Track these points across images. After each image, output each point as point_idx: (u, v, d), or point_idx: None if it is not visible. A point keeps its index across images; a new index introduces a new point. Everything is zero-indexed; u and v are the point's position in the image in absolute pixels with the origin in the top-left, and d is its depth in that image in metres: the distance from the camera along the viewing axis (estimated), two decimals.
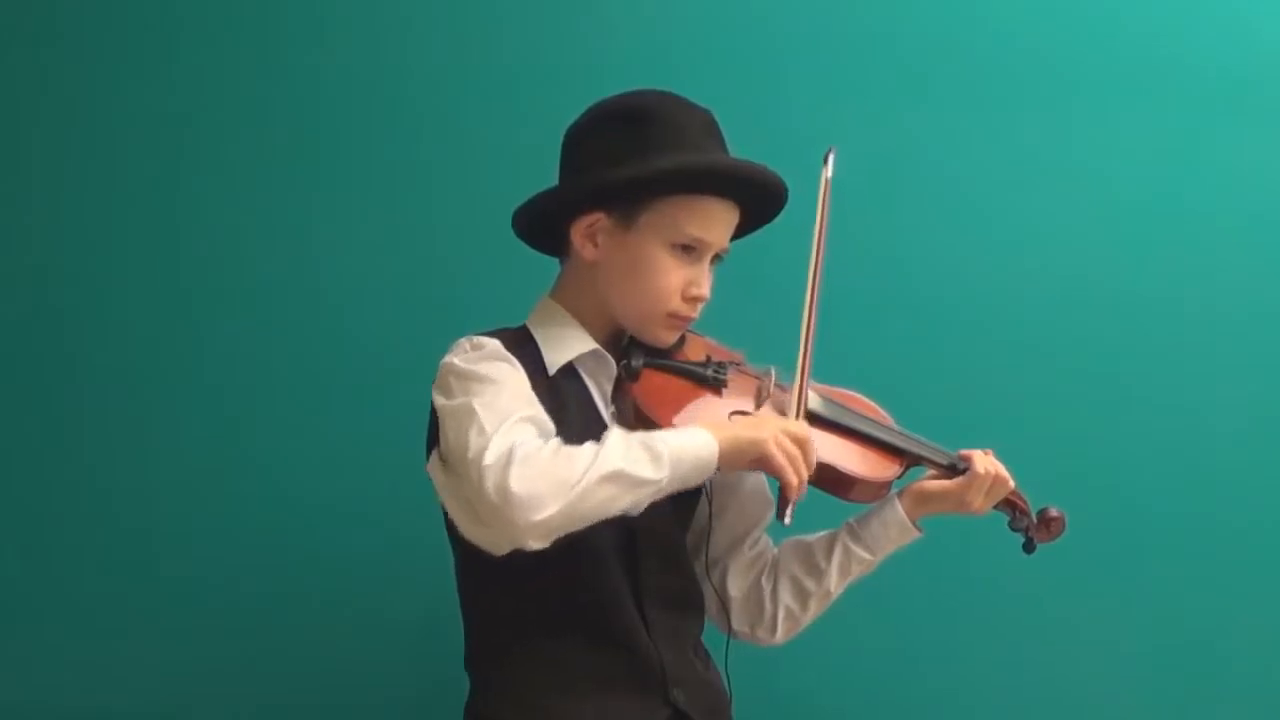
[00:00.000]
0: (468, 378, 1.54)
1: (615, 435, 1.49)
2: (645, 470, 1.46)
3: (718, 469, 1.51)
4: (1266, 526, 2.18)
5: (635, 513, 1.50)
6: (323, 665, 2.11)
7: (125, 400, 2.16)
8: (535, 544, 1.44)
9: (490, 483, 1.41)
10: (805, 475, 1.55)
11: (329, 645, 2.11)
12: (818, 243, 1.68)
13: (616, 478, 1.44)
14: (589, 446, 1.47)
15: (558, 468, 1.43)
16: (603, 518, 1.47)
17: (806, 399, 1.65)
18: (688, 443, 1.50)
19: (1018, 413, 2.12)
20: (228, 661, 2.11)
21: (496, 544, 1.47)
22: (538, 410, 1.53)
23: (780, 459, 1.53)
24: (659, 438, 1.49)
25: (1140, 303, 2.20)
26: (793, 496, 1.54)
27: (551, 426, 1.53)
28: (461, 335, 1.63)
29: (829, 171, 1.70)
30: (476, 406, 1.49)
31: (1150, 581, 2.16)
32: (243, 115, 2.20)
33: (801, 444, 1.55)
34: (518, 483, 1.40)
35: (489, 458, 1.42)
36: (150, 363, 2.16)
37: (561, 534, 1.45)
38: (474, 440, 1.45)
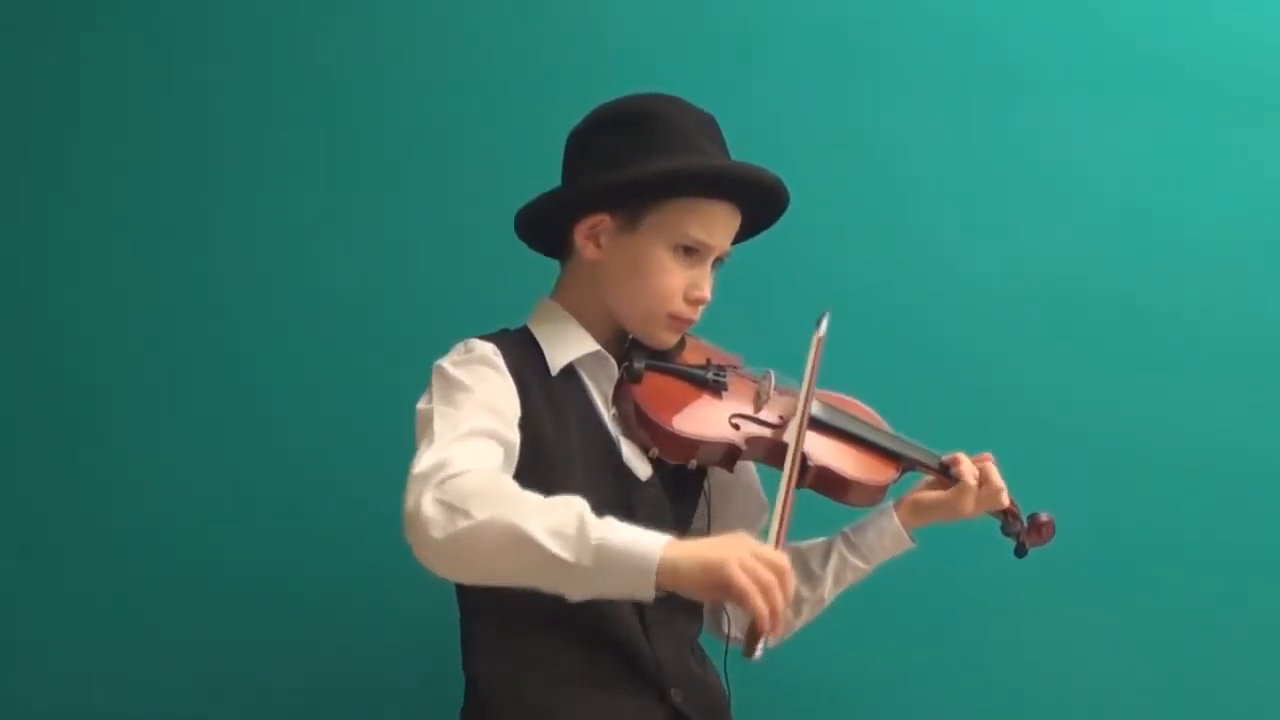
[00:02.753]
0: (445, 383, 1.55)
1: (566, 502, 1.36)
2: (560, 547, 1.31)
3: (658, 584, 1.32)
4: (1264, 530, 2.18)
5: (568, 598, 1.36)
6: (321, 665, 2.10)
7: (124, 401, 2.15)
8: (434, 568, 1.39)
9: (411, 493, 1.39)
10: (779, 607, 1.32)
11: (327, 645, 2.10)
12: (804, 400, 1.63)
13: (520, 540, 1.32)
14: (531, 497, 1.38)
15: (475, 496, 1.36)
16: (510, 581, 1.37)
17: (787, 525, 1.50)
18: (631, 538, 1.33)
19: (1013, 417, 2.12)
20: (226, 662, 2.10)
21: (416, 555, 1.40)
22: (501, 424, 1.51)
23: (743, 582, 1.30)
24: (608, 524, 1.34)
25: (1136, 305, 2.20)
26: (764, 629, 1.31)
27: (515, 439, 1.51)
28: (460, 336, 1.64)
29: (822, 331, 1.67)
30: (436, 415, 1.49)
31: (1146, 585, 2.16)
32: (240, 115, 2.20)
33: (777, 570, 1.32)
34: (430, 501, 1.36)
35: (418, 468, 1.41)
36: (151, 364, 2.16)
37: (457, 572, 1.41)
38: (420, 448, 1.45)
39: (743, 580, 1.30)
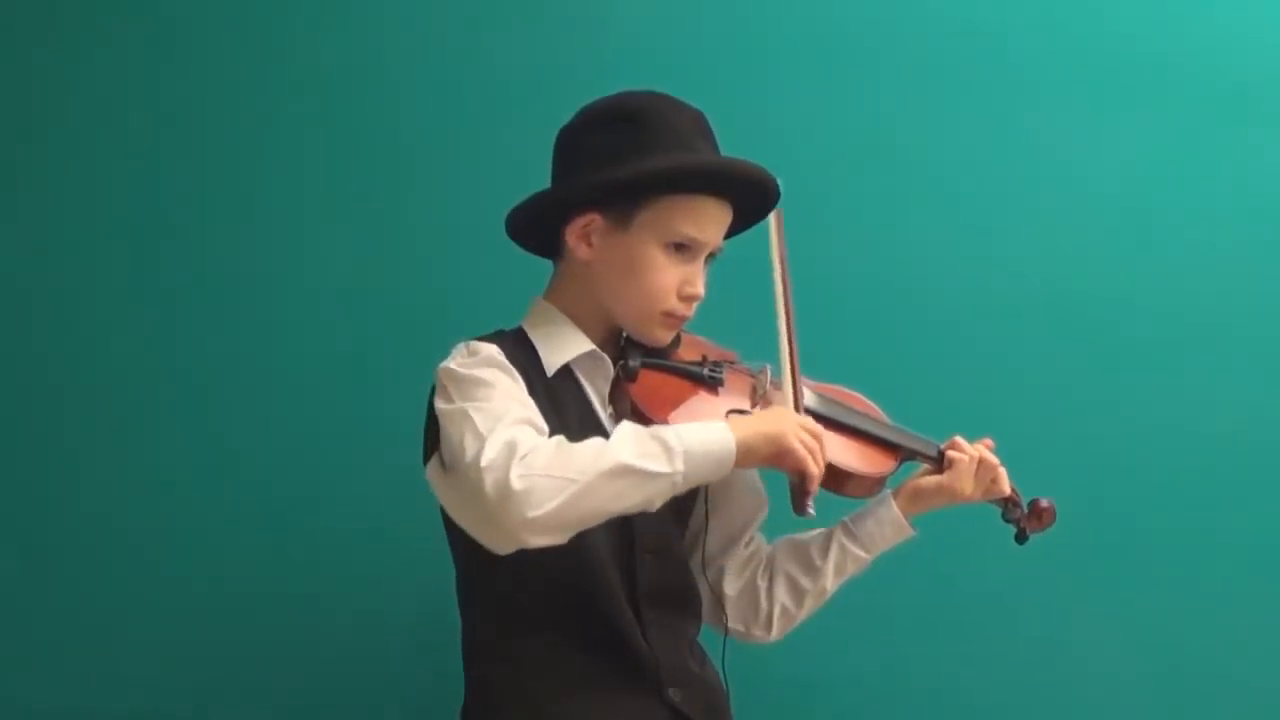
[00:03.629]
0: (463, 382, 1.54)
1: (625, 429, 1.49)
2: (656, 464, 1.45)
3: (735, 464, 1.50)
4: (1263, 529, 2.18)
5: (651, 509, 1.49)
6: (321, 665, 2.10)
7: (124, 401, 2.15)
8: (539, 540, 1.43)
9: (489, 481, 1.41)
10: (823, 468, 1.55)
11: (327, 645, 2.10)
12: (781, 279, 1.70)
13: (625, 472, 1.44)
14: (595, 441, 1.47)
15: (559, 463, 1.43)
16: (613, 514, 1.46)
17: (802, 395, 1.66)
18: (704, 436, 1.49)
19: (1012, 416, 2.10)
20: (226, 661, 2.10)
21: (500, 543, 1.46)
22: (533, 413, 1.53)
23: (801, 450, 1.52)
24: (673, 431, 1.48)
25: (1135, 305, 2.20)
26: (812, 488, 1.54)
27: (544, 426, 1.52)
28: (456, 336, 1.64)
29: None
30: (471, 411, 1.49)
31: (1145, 584, 2.16)
32: (238, 116, 2.20)
33: (817, 436, 1.55)
34: (518, 480, 1.41)
35: (486, 458, 1.42)
36: (151, 363, 2.16)
37: (568, 531, 1.45)
38: (470, 443, 1.45)
39: (799, 448, 1.53)
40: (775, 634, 1.80)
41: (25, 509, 2.14)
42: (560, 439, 1.48)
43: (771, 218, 1.71)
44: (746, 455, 1.51)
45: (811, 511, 1.55)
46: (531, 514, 1.41)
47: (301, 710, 2.10)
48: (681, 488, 1.48)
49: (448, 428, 1.52)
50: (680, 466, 1.45)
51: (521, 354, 1.63)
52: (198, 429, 2.15)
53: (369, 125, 2.20)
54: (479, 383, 1.54)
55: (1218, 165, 2.22)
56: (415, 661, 2.08)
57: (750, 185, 1.67)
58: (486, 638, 1.63)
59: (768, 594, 1.79)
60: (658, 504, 1.48)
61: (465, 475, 1.44)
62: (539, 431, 1.51)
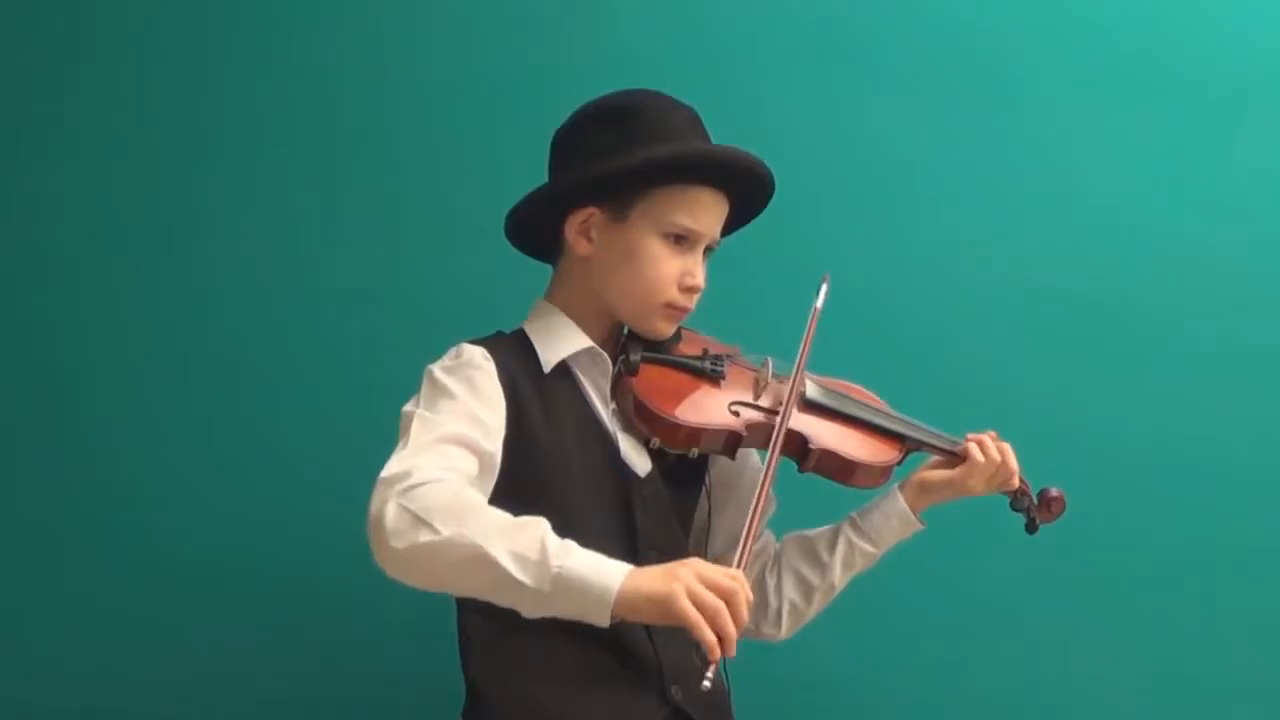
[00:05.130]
0: (432, 387, 1.55)
1: (532, 524, 1.39)
2: (519, 570, 1.35)
3: (616, 614, 1.36)
4: (1264, 528, 2.17)
5: (524, 614, 1.40)
6: (320, 666, 2.10)
7: (122, 402, 2.15)
8: (394, 574, 1.40)
9: (375, 498, 1.40)
10: (730, 632, 1.34)
11: (326, 646, 2.10)
12: (798, 369, 1.66)
13: (479, 559, 1.35)
14: (500, 516, 1.39)
15: (441, 510, 1.37)
16: (454, 590, 1.42)
17: (756, 530, 1.55)
18: (590, 570, 1.36)
19: (1011, 417, 2.05)
20: (226, 662, 2.11)
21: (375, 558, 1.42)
22: (480, 434, 1.51)
23: (691, 613, 1.34)
24: (570, 549, 1.37)
25: (1134, 304, 2.19)
26: (712, 657, 1.34)
27: (491, 449, 1.51)
28: (458, 337, 1.64)
29: (819, 302, 1.69)
30: (415, 419, 1.50)
31: (1145, 583, 2.16)
32: (235, 117, 2.20)
33: (725, 594, 1.35)
34: (393, 507, 1.38)
35: (385, 472, 1.42)
36: (151, 364, 2.16)
37: (417, 581, 1.40)
38: (394, 453, 1.46)
39: (690, 612, 1.34)
40: (785, 631, 1.79)
41: (25, 509, 2.14)
42: (462, 488, 1.42)
43: (810, 317, 1.67)
44: (629, 609, 1.36)
45: (705, 684, 1.35)
46: (387, 544, 1.37)
47: (302, 711, 2.10)
48: (547, 609, 1.38)
49: (400, 428, 1.52)
50: (546, 587, 1.35)
51: (516, 356, 1.63)
52: (198, 429, 2.15)
53: (369, 127, 2.20)
54: (443, 391, 1.54)
55: (1217, 165, 2.21)
56: (416, 662, 2.08)
57: (743, 173, 1.67)
58: (485, 637, 1.62)
59: (776, 591, 1.79)
60: (527, 613, 1.40)
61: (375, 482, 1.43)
62: (474, 453, 1.49)
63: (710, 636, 1.33)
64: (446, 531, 1.36)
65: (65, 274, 2.18)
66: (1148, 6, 2.23)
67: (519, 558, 1.35)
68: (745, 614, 1.36)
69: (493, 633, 1.61)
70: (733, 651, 1.35)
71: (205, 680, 2.10)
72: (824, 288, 1.71)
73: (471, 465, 1.49)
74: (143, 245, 2.18)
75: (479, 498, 1.43)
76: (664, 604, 1.34)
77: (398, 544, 1.36)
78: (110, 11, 2.21)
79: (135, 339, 2.16)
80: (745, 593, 1.37)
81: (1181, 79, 2.22)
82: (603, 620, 1.36)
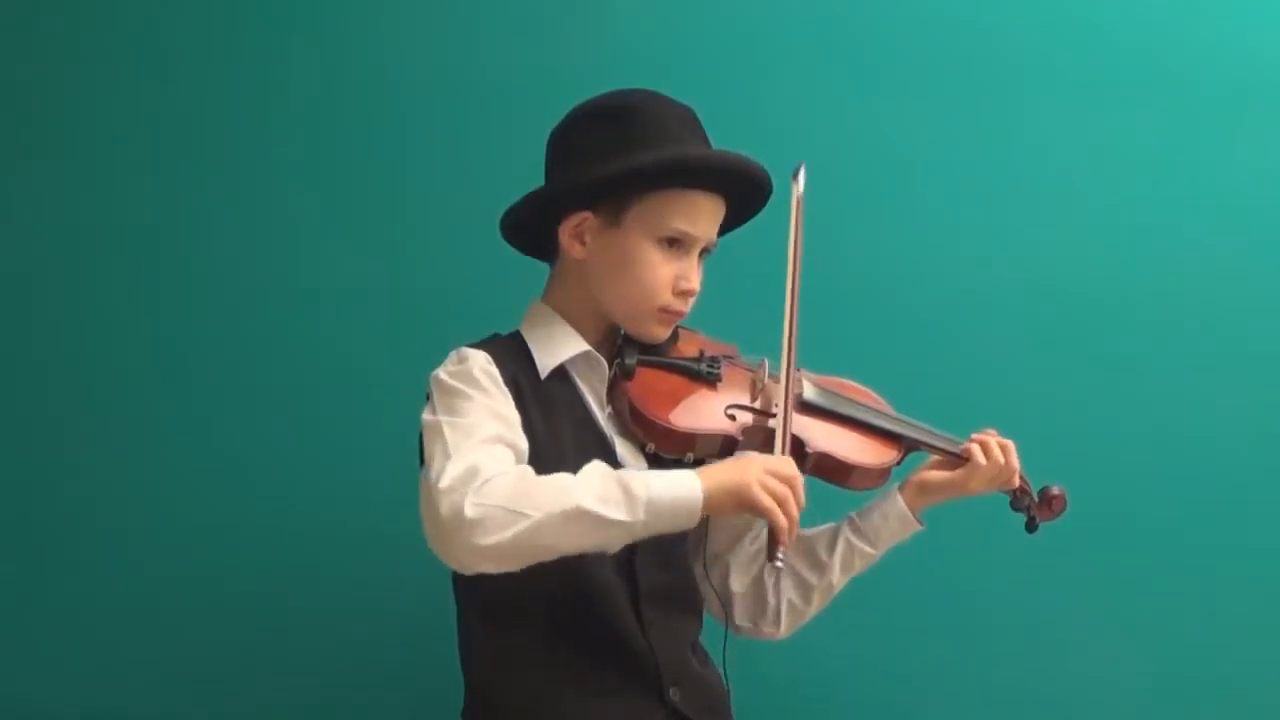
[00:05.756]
0: (446, 393, 1.55)
1: (593, 470, 1.47)
2: (616, 511, 1.43)
3: (703, 514, 1.47)
4: (1265, 527, 2.17)
5: (609, 552, 1.48)
6: (319, 667, 2.10)
7: (123, 402, 2.15)
8: (488, 568, 1.43)
9: (445, 504, 1.41)
10: (796, 516, 1.50)
11: (325, 647, 2.10)
12: (793, 263, 1.66)
13: (582, 516, 1.42)
14: (560, 478, 1.45)
15: (518, 496, 1.42)
16: (567, 553, 1.45)
17: (789, 437, 1.61)
18: (671, 486, 1.46)
19: (1011, 416, 2.07)
20: (226, 662, 2.11)
21: (451, 564, 1.45)
22: (509, 429, 1.53)
23: (766, 500, 1.48)
24: (641, 479, 1.46)
25: (1134, 300, 2.19)
26: (782, 539, 1.49)
27: (524, 446, 1.53)
28: (456, 339, 1.64)
29: (800, 187, 1.68)
30: (445, 426, 1.50)
31: (1144, 584, 2.16)
32: (237, 116, 2.20)
33: (789, 482, 1.50)
34: (471, 508, 1.40)
35: (445, 480, 1.42)
36: (150, 364, 2.16)
37: (519, 562, 1.44)
38: (436, 461, 1.46)
39: (764, 499, 1.47)
40: (784, 630, 1.79)
41: (25, 509, 2.14)
42: (524, 470, 1.47)
43: (792, 207, 1.68)
44: (712, 508, 1.48)
45: (779, 562, 1.51)
46: (482, 542, 1.40)
47: (300, 712, 2.10)
48: (641, 535, 1.46)
49: (425, 439, 1.53)
50: (641, 516, 1.43)
51: (515, 358, 1.63)
52: (198, 429, 2.15)
53: (368, 126, 2.19)
54: (459, 394, 1.54)
55: (1217, 165, 2.21)
56: (416, 663, 2.08)
57: (739, 178, 1.67)
58: (484, 639, 1.62)
59: (774, 590, 1.78)
60: (615, 548, 1.48)
61: (427, 493, 1.44)
62: (512, 449, 1.51)
63: (783, 520, 1.48)
64: (539, 512, 1.41)
65: (65, 274, 2.17)
66: (1148, 6, 2.23)
67: (609, 502, 1.43)
68: (804, 498, 1.51)
69: (492, 634, 1.61)
70: (795, 533, 1.50)
71: (205, 680, 2.10)
72: (801, 174, 1.69)
73: (511, 459, 1.50)
74: (142, 245, 2.18)
75: (534, 474, 1.46)
76: (741, 494, 1.47)
77: (496, 538, 1.40)
78: (110, 11, 2.21)
79: (135, 339, 2.16)
80: (801, 479, 1.51)
81: (1181, 79, 2.21)
82: (692, 523, 1.47)
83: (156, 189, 2.18)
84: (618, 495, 1.43)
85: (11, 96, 2.20)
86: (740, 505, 1.48)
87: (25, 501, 2.14)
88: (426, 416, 1.54)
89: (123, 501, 2.13)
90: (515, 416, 1.56)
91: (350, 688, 2.10)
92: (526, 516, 1.40)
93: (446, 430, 1.49)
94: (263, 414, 2.14)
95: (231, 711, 2.10)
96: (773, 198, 1.73)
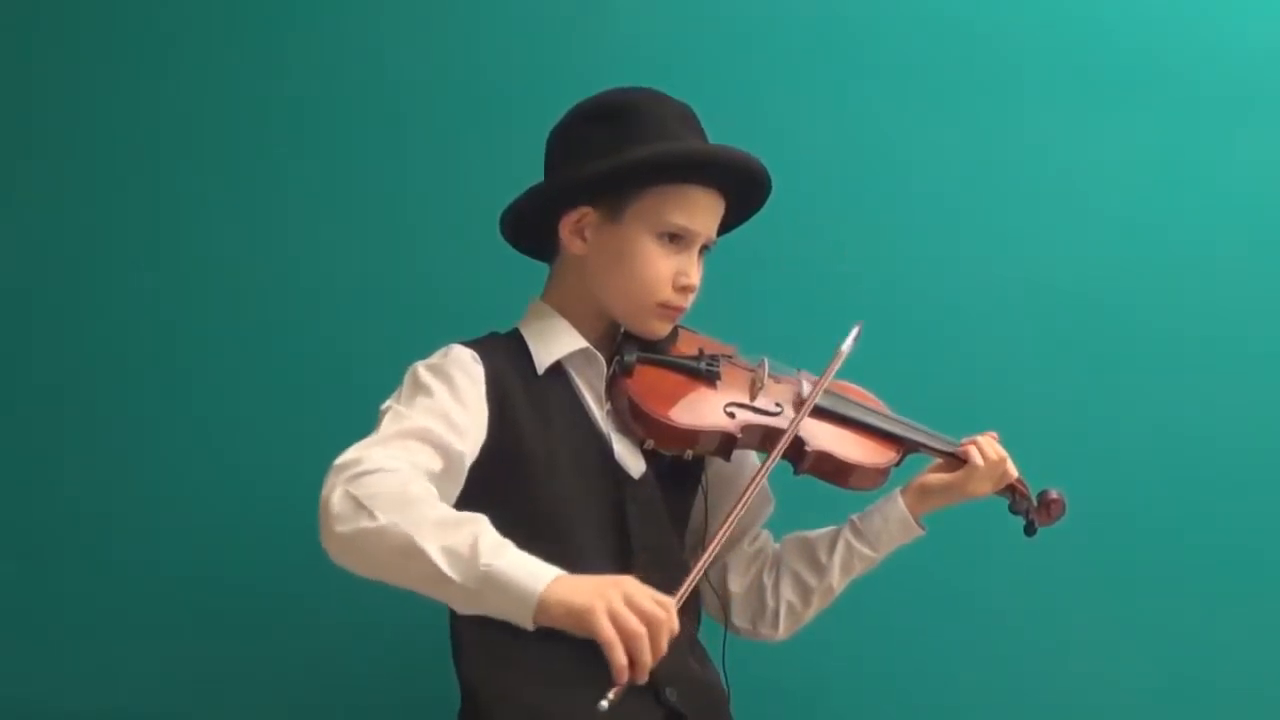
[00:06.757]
0: (412, 384, 1.55)
1: (468, 518, 1.36)
2: (451, 565, 1.31)
3: (535, 621, 1.32)
4: (1265, 527, 2.16)
5: (440, 601, 1.38)
6: (317, 668, 2.10)
7: (121, 403, 2.15)
8: (338, 560, 1.39)
9: (326, 483, 1.39)
10: (643, 659, 1.29)
11: (323, 648, 2.10)
12: (810, 399, 1.66)
13: (416, 554, 1.32)
14: (439, 509, 1.37)
15: (383, 498, 1.36)
16: (388, 580, 1.37)
17: (701, 572, 1.47)
18: (519, 572, 1.32)
19: (1011, 417, 2.06)
20: (224, 663, 2.10)
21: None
22: (447, 430, 1.49)
23: (608, 632, 1.28)
24: (504, 550, 1.33)
25: (1133, 300, 2.19)
26: (617, 678, 1.28)
27: (460, 449, 1.49)
28: (455, 337, 1.63)
29: (845, 347, 1.70)
30: (388, 414, 1.50)
31: (1144, 584, 2.15)
32: (236, 115, 2.20)
33: (649, 620, 1.30)
34: (339, 494, 1.37)
35: (339, 459, 1.41)
36: (150, 364, 2.16)
37: (362, 568, 1.38)
38: (359, 442, 1.45)
39: (607, 630, 1.28)
40: (782, 632, 1.79)
41: (25, 509, 2.14)
42: (416, 478, 1.41)
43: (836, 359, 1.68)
44: (548, 618, 1.31)
45: (603, 705, 1.27)
46: (334, 529, 1.36)
47: (299, 712, 2.10)
48: (467, 605, 1.35)
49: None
50: (473, 584, 1.31)
51: (510, 356, 1.63)
52: (198, 430, 2.15)
53: (368, 126, 2.20)
54: (422, 389, 1.54)
55: (1217, 165, 2.21)
56: (411, 665, 2.07)
57: (736, 172, 1.67)
58: (477, 640, 1.61)
59: (773, 591, 1.78)
60: (455, 608, 1.41)
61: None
62: (438, 448, 1.47)
63: (621, 658, 1.27)
64: (384, 520, 1.34)
65: (64, 274, 2.18)
66: (1148, 6, 2.23)
67: (450, 553, 1.32)
68: (665, 645, 1.30)
69: (486, 635, 1.58)
70: (643, 679, 1.29)
71: (204, 680, 2.09)
72: (854, 333, 1.71)
73: (434, 462, 1.47)
74: (142, 245, 2.18)
75: (427, 491, 1.40)
76: (582, 618, 1.29)
77: (340, 529, 1.35)
78: (110, 11, 2.21)
79: (135, 339, 2.16)
80: (671, 623, 1.31)
81: (1181, 79, 2.21)
82: (526, 624, 1.32)
83: (156, 189, 2.19)
84: (463, 553, 1.32)
85: (12, 96, 2.20)
86: (579, 628, 1.30)
87: (25, 501, 2.14)
88: (385, 402, 1.54)
89: (123, 502, 2.13)
90: (471, 424, 1.53)
91: (347, 689, 2.10)
92: (372, 519, 1.34)
93: (386, 417, 1.49)
94: (262, 414, 2.14)
95: (231, 711, 2.09)
96: (772, 197, 1.73)
